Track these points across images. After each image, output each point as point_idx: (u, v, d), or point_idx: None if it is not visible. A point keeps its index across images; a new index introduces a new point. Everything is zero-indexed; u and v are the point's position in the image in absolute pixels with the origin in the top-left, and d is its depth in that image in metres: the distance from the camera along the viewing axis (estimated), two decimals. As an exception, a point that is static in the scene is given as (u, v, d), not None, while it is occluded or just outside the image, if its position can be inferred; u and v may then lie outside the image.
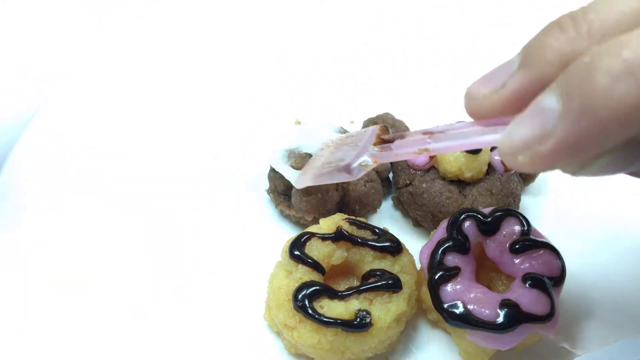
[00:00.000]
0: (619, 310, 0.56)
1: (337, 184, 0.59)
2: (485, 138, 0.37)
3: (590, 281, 0.58)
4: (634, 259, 0.59)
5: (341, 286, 0.54)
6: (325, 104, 0.71)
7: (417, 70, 0.77)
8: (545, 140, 0.31)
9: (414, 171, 0.63)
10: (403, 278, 0.52)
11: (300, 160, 0.60)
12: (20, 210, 0.59)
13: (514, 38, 0.76)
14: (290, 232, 0.62)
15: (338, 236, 0.53)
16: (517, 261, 0.51)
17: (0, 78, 0.79)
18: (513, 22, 0.78)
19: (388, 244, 0.53)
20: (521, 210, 0.64)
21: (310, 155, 0.62)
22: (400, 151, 0.43)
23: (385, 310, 0.50)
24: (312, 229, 0.54)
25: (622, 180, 0.65)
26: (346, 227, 0.54)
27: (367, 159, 0.46)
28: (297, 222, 0.62)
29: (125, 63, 0.73)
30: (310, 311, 0.49)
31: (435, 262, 0.51)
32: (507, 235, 0.52)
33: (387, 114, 0.68)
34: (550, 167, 0.33)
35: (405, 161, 0.63)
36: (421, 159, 0.62)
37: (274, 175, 0.62)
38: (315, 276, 0.51)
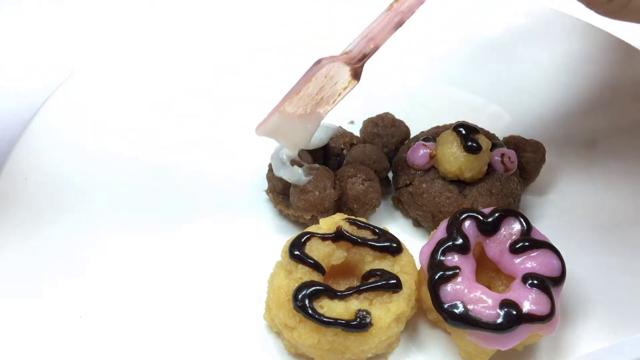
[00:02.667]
0: (619, 310, 0.56)
1: (334, 182, 0.59)
2: None
3: (590, 281, 0.57)
4: (633, 258, 0.59)
5: (341, 286, 0.54)
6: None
7: (417, 70, 0.77)
8: None
9: (414, 171, 0.62)
10: (403, 278, 0.52)
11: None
12: (21, 210, 0.59)
13: (513, 37, 0.77)
14: (289, 232, 0.62)
15: (338, 236, 0.53)
16: (517, 261, 0.51)
17: (1, 78, 0.79)
18: (510, 22, 0.78)
19: (388, 244, 0.53)
20: (521, 210, 0.64)
21: (306, 152, 0.62)
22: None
23: (385, 310, 0.50)
24: (312, 229, 0.54)
25: (622, 180, 0.65)
26: (346, 227, 0.54)
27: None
28: (296, 222, 0.62)
29: (124, 65, 0.73)
30: (310, 311, 0.49)
31: (435, 262, 0.51)
32: (507, 235, 0.52)
33: (387, 114, 0.68)
34: None
35: (405, 161, 0.63)
36: (421, 159, 0.61)
37: (272, 175, 0.62)
38: (315, 276, 0.51)
